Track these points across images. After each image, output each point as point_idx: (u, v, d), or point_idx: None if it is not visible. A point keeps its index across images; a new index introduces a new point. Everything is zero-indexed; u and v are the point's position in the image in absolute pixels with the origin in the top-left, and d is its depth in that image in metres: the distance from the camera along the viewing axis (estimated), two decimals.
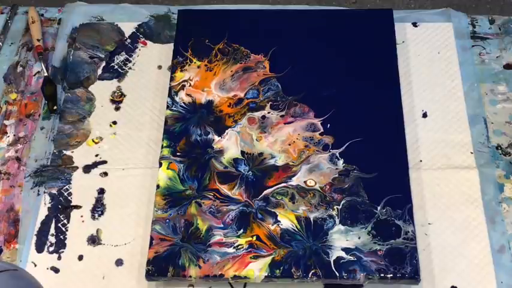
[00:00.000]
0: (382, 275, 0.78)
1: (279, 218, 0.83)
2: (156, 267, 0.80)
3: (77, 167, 0.91)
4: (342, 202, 0.83)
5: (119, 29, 1.05)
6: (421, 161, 0.90)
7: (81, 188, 0.90)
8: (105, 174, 0.91)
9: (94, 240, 0.86)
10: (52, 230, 0.86)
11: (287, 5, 1.29)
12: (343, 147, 0.87)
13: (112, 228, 0.86)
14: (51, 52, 1.03)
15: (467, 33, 1.01)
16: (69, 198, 0.89)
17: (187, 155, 0.88)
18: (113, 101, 0.97)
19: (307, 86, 0.93)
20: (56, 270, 0.84)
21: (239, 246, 0.81)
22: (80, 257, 0.84)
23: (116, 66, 1.01)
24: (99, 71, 1.00)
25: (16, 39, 1.05)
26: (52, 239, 0.86)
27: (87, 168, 0.91)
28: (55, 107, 0.96)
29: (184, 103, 0.93)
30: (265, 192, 0.85)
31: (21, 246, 0.85)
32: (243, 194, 0.85)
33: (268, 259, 0.80)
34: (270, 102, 0.92)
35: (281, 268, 0.79)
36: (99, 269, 0.84)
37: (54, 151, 0.93)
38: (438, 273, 0.82)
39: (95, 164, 0.91)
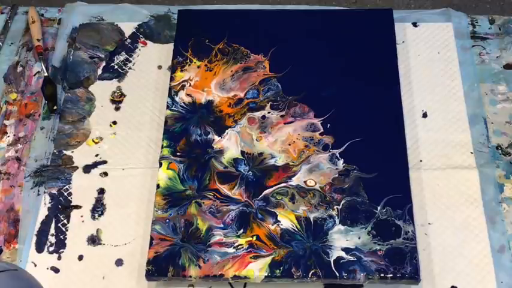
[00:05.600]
0: (382, 275, 0.78)
1: (279, 218, 0.83)
2: (156, 267, 0.80)
3: (77, 167, 0.91)
4: (342, 202, 0.83)
5: (119, 29, 1.05)
6: (421, 161, 0.90)
7: (81, 188, 0.90)
8: (105, 174, 0.91)
9: (94, 240, 0.86)
10: (52, 230, 0.86)
11: (287, 5, 1.29)
12: (343, 147, 0.87)
13: (112, 228, 0.86)
14: (51, 52, 1.03)
15: (467, 33, 1.01)
16: (69, 198, 0.89)
17: (187, 155, 0.88)
18: (113, 101, 0.97)
19: (307, 86, 0.93)
20: (56, 270, 0.84)
21: (239, 246, 0.81)
22: (80, 257, 0.84)
23: (116, 66, 1.01)
24: (99, 71, 1.00)
25: (16, 39, 1.05)
26: (52, 239, 0.86)
27: (87, 168, 0.91)
28: (55, 107, 0.96)
29: (184, 103, 0.93)
30: (265, 192, 0.85)
31: (21, 246, 0.85)
32: (243, 194, 0.85)
33: (268, 259, 0.80)
34: (270, 102, 0.92)
35: (281, 268, 0.79)
36: (99, 269, 0.84)
37: (54, 151, 0.93)
38: (438, 273, 0.82)
39: (95, 164, 0.91)
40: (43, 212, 0.88)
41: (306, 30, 0.99)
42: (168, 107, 0.92)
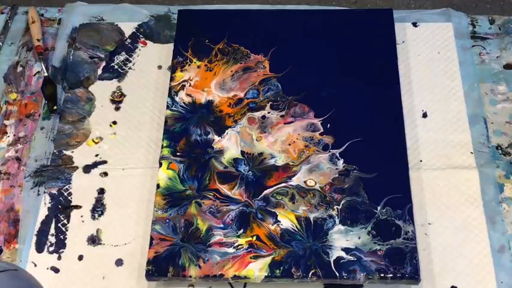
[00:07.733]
0: (382, 275, 0.78)
1: (279, 218, 0.83)
2: (156, 267, 0.80)
3: (77, 167, 0.91)
4: (342, 202, 0.83)
5: (119, 29, 1.05)
6: (421, 161, 0.90)
7: (81, 188, 0.90)
8: (105, 174, 0.91)
9: (94, 240, 0.86)
10: (52, 230, 0.86)
11: (287, 5, 1.29)
12: (343, 147, 0.87)
13: (112, 228, 0.86)
14: (51, 52, 1.03)
15: (467, 33, 1.01)
16: (69, 198, 0.89)
17: (187, 155, 0.88)
18: (113, 101, 0.97)
19: (307, 86, 0.93)
20: (56, 270, 0.84)
21: (239, 246, 0.81)
22: (80, 257, 0.84)
23: (116, 66, 1.01)
24: (99, 71, 1.00)
25: (16, 39, 1.05)
26: (52, 239, 0.86)
27: (87, 168, 0.91)
28: (55, 107, 0.96)
29: (184, 103, 0.93)
30: (265, 192, 0.85)
31: (21, 246, 0.85)
32: (243, 194, 0.85)
33: (268, 259, 0.80)
34: (270, 102, 0.92)
35: (281, 268, 0.79)
36: (99, 269, 0.84)
37: (54, 151, 0.93)
38: (438, 273, 0.82)
39: (95, 164, 0.91)
40: (43, 212, 0.88)
41: (306, 30, 0.99)
42: (168, 107, 0.92)
